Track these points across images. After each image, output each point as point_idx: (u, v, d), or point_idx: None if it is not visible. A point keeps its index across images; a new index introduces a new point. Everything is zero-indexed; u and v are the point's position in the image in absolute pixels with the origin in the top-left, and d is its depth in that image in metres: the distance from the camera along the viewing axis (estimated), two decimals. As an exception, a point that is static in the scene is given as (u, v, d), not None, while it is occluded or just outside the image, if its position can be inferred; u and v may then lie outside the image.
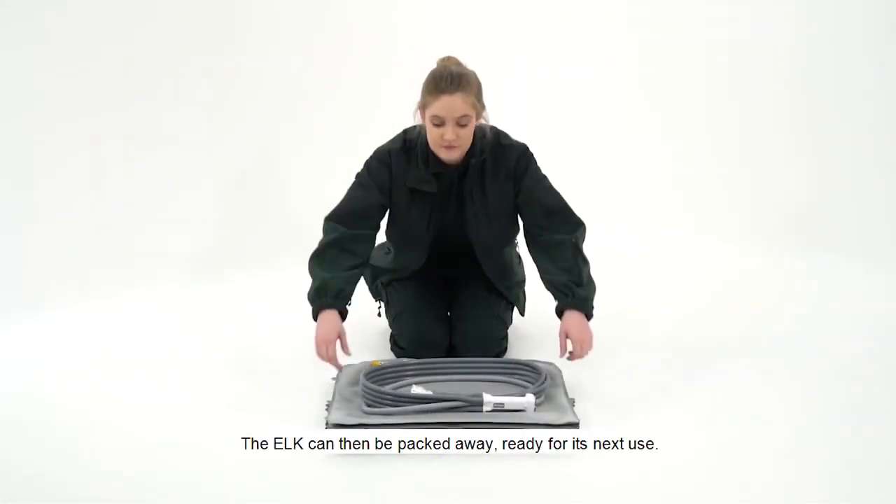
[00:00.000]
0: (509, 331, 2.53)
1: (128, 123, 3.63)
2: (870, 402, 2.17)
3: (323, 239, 2.26)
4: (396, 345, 2.47)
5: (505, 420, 1.97)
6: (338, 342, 2.17)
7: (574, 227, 2.27)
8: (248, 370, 2.41)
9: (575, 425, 1.96)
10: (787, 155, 3.88)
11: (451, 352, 2.40)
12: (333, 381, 2.18)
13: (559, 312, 2.22)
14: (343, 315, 2.19)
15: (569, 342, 2.20)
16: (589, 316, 2.21)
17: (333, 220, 2.27)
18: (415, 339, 2.39)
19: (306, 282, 2.22)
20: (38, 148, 3.43)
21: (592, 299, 2.23)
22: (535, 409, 2.00)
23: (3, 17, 3.39)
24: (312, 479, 1.82)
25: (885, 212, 3.63)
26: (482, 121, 2.26)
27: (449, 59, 2.26)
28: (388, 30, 4.06)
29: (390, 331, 2.53)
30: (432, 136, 2.20)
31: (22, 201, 3.34)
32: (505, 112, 3.94)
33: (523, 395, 2.02)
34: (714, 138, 4.02)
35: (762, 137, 3.94)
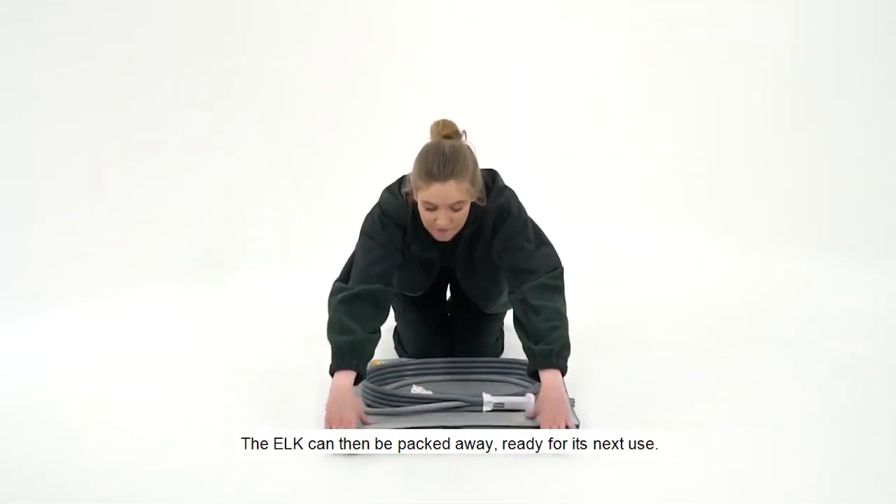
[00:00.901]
0: (508, 331, 2.53)
1: (128, 123, 3.62)
2: (870, 402, 2.17)
3: (353, 286, 2.10)
4: (400, 343, 2.50)
5: (505, 420, 1.97)
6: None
7: (534, 278, 2.10)
8: (248, 370, 2.41)
9: (575, 425, 1.96)
10: (787, 155, 3.88)
11: (451, 354, 2.40)
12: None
13: (532, 375, 2.06)
14: (358, 380, 2.04)
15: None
16: (562, 371, 2.02)
17: (363, 281, 2.10)
18: (417, 352, 2.41)
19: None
20: (38, 148, 3.42)
21: (556, 351, 2.01)
22: (534, 409, 2.00)
23: (3, 17, 3.38)
24: (312, 479, 1.82)
25: (885, 212, 3.62)
26: (477, 200, 2.11)
27: (444, 126, 2.10)
28: (388, 30, 4.05)
29: (393, 329, 2.55)
30: (425, 218, 2.08)
31: (22, 201, 3.33)
32: (505, 112, 4.00)
33: (523, 395, 2.03)
34: (714, 138, 4.01)
35: (762, 137, 3.93)
